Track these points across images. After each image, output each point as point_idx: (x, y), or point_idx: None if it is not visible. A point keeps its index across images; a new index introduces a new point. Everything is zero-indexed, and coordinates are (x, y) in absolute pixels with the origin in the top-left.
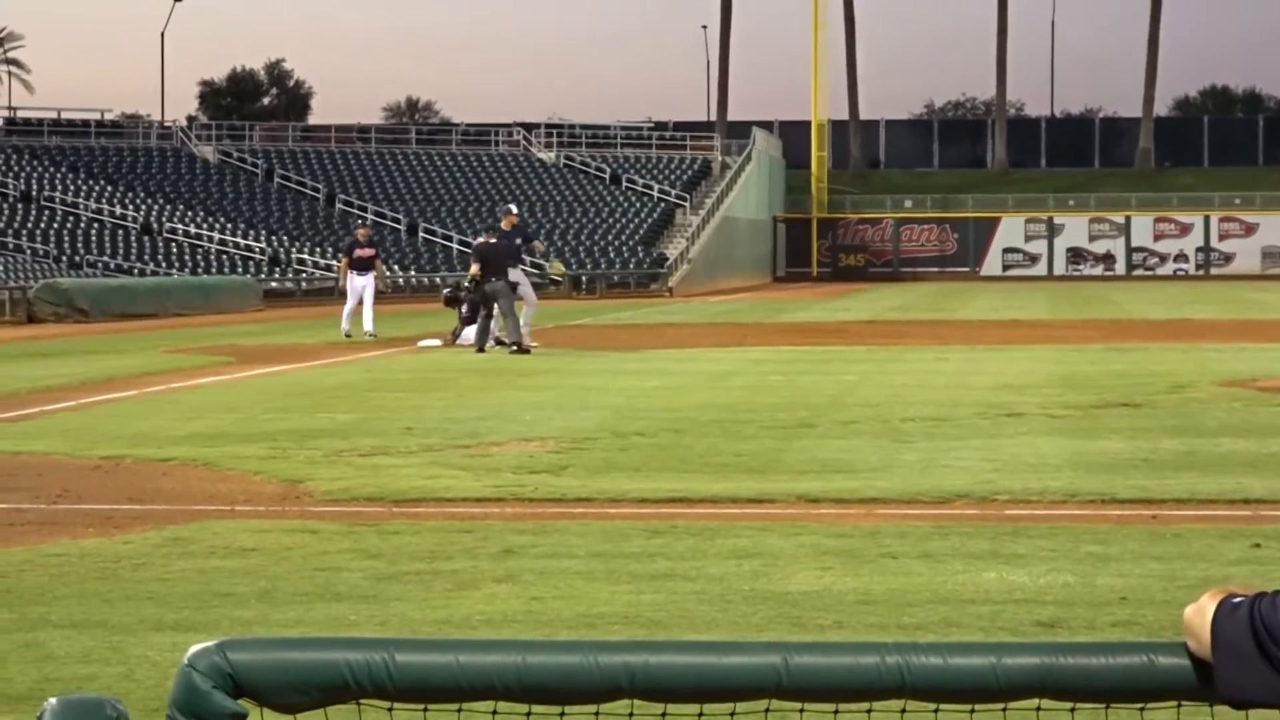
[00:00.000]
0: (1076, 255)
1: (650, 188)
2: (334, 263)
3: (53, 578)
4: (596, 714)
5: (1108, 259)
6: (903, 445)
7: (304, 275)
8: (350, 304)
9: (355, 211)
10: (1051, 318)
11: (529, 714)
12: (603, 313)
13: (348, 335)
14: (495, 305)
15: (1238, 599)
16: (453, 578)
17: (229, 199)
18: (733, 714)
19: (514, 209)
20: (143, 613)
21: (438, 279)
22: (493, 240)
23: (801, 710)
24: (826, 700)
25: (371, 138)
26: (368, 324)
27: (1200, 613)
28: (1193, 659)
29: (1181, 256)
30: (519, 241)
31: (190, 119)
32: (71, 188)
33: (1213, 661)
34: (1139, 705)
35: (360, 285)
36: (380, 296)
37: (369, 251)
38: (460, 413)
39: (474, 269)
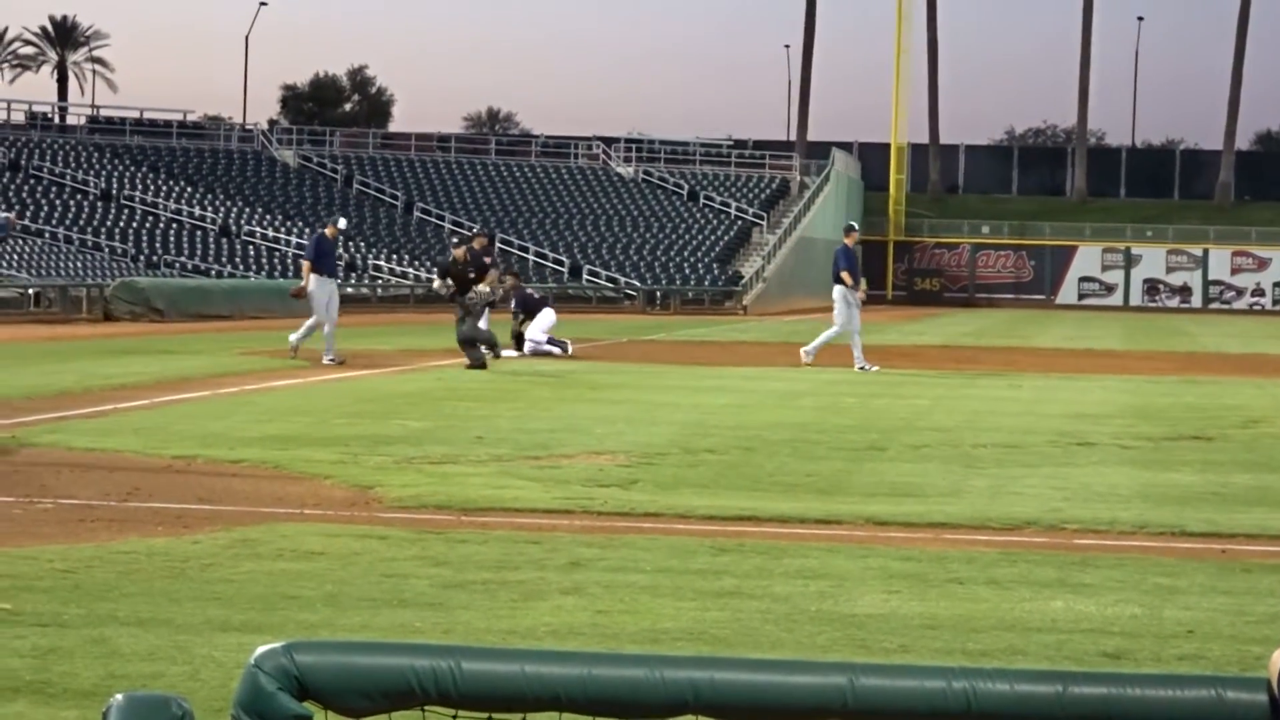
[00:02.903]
0: (1153, 286)
1: (728, 205)
2: (410, 270)
3: (121, 575)
4: None
5: (1184, 291)
6: (973, 471)
7: (380, 282)
8: None
9: (433, 220)
10: (1126, 348)
11: None
12: (676, 328)
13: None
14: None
15: None
16: (519, 588)
17: (307, 203)
18: None
19: (855, 225)
20: (209, 612)
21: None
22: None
23: None
24: None
25: (451, 147)
26: None
27: (1275, 663)
28: (1271, 698)
29: (1258, 290)
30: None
31: (271, 122)
32: (151, 187)
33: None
34: None
35: None
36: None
37: (487, 261)
38: (531, 424)
39: (438, 283)
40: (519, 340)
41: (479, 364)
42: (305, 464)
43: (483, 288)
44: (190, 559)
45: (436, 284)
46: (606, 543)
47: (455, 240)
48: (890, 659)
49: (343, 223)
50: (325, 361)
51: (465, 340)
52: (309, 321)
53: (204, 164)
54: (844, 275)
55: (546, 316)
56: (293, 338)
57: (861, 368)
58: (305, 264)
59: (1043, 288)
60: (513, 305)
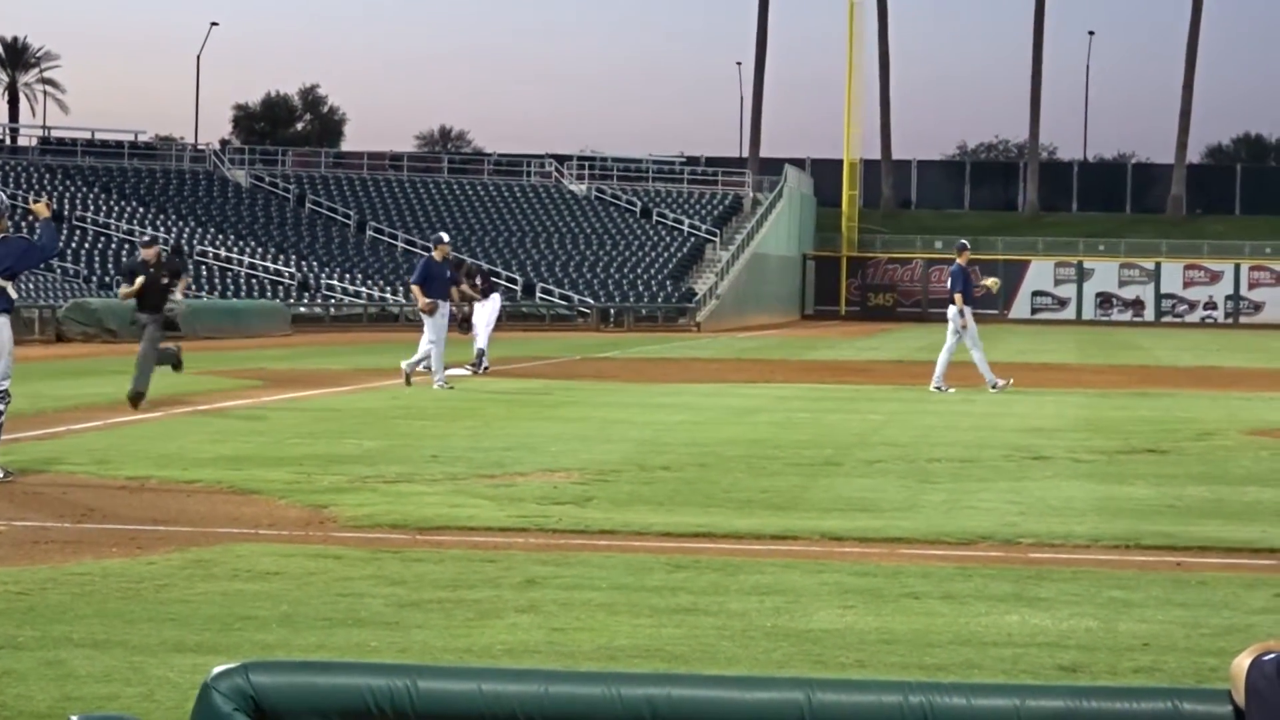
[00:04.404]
0: (1105, 300)
1: (681, 222)
2: (363, 289)
3: (76, 596)
4: None
5: (1137, 305)
6: (928, 485)
7: (333, 301)
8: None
9: (386, 239)
10: (1079, 362)
11: None
12: (630, 346)
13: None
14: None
15: (1269, 656)
16: (475, 606)
17: (260, 223)
18: None
19: (967, 244)
20: (164, 634)
21: (465, 307)
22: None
23: None
24: None
25: (404, 165)
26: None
27: (1239, 666)
28: (1234, 707)
29: (1211, 304)
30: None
31: (223, 142)
32: (103, 208)
33: (1246, 712)
34: None
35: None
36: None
37: (475, 283)
38: (486, 442)
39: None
40: (465, 322)
41: (174, 365)
42: (259, 484)
43: (177, 295)
44: (145, 580)
45: (124, 290)
46: (562, 560)
47: (146, 239)
48: (846, 674)
49: (445, 237)
50: (435, 386)
51: (146, 358)
52: (423, 347)
53: (156, 184)
54: (956, 297)
55: (494, 302)
56: (404, 364)
57: (994, 386)
58: (415, 288)
59: (995, 302)
60: (478, 281)
